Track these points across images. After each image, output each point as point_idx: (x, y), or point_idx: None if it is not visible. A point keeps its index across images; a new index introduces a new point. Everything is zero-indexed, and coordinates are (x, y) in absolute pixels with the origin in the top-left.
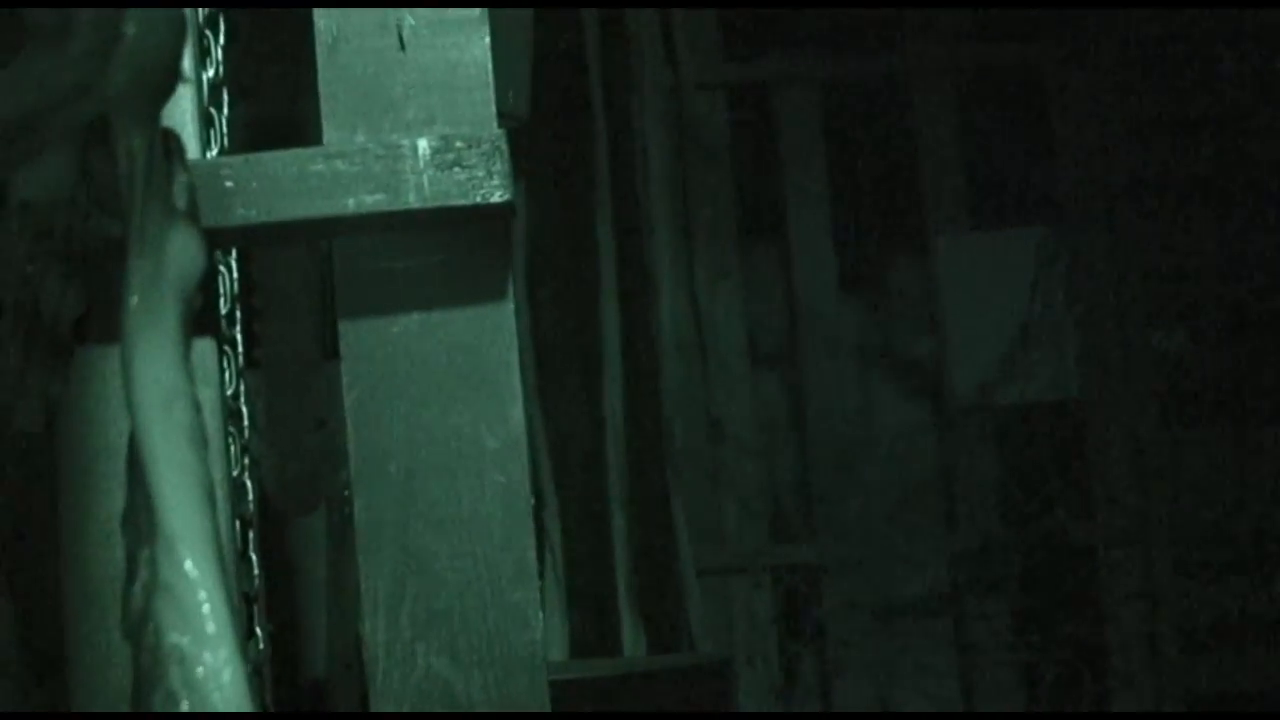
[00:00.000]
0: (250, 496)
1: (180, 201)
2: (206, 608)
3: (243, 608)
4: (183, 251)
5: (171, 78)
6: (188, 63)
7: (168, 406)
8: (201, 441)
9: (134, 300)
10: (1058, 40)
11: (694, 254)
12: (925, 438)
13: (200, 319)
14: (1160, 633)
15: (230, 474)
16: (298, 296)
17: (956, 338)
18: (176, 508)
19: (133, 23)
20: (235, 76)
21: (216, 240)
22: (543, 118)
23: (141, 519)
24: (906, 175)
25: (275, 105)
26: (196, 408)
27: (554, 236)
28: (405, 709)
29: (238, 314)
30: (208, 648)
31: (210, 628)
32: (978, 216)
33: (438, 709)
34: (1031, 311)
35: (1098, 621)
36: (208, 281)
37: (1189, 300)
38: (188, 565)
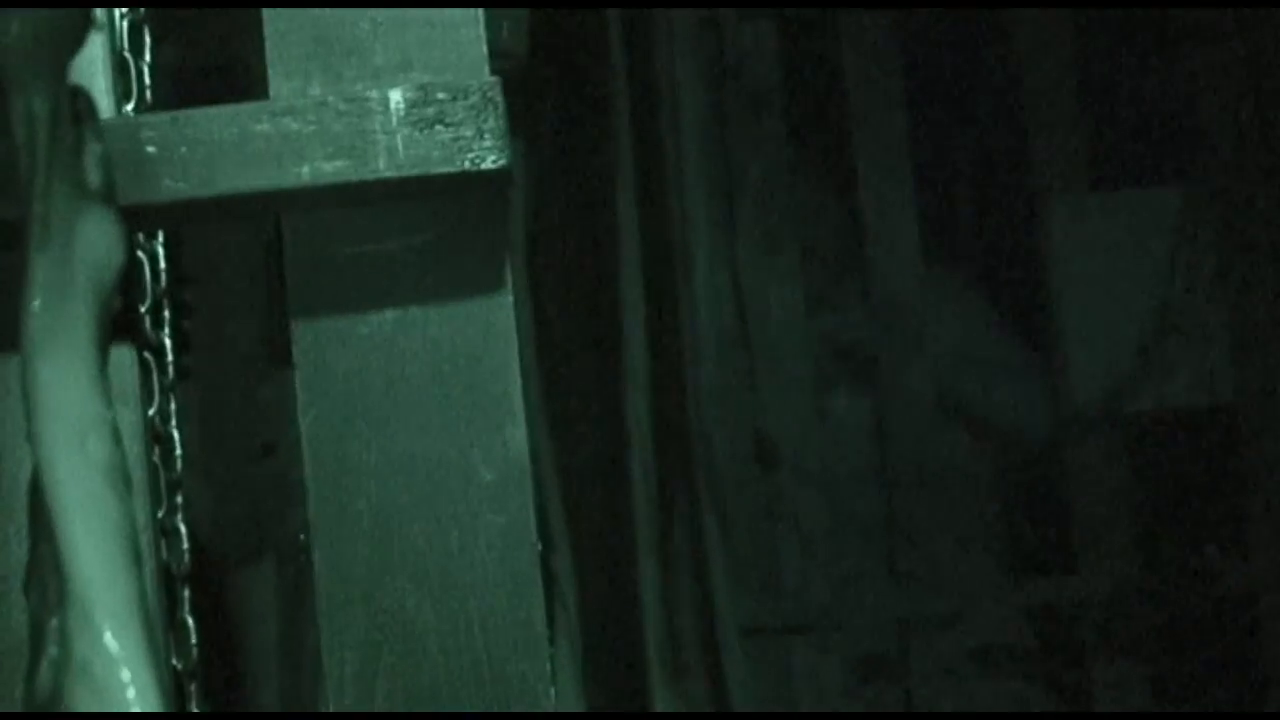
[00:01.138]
0: (184, 545)
1: (93, 178)
2: (131, 691)
3: (176, 687)
4: (97, 241)
5: (81, 23)
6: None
7: (80, 439)
8: (123, 481)
9: (36, 303)
10: None
11: (737, 225)
12: (1039, 456)
13: (118, 321)
14: None
15: (156, 517)
16: (239, 288)
17: (1076, 328)
18: (92, 566)
19: None
20: (157, 12)
21: (138, 221)
22: (544, 55)
23: (49, 579)
24: (1008, 121)
25: (208, 48)
26: (116, 438)
27: (561, 205)
28: None
29: (165, 313)
30: None
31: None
32: (1101, 173)
33: None
34: (1171, 294)
35: (1259, 688)
36: (128, 277)
37: None
38: (107, 638)
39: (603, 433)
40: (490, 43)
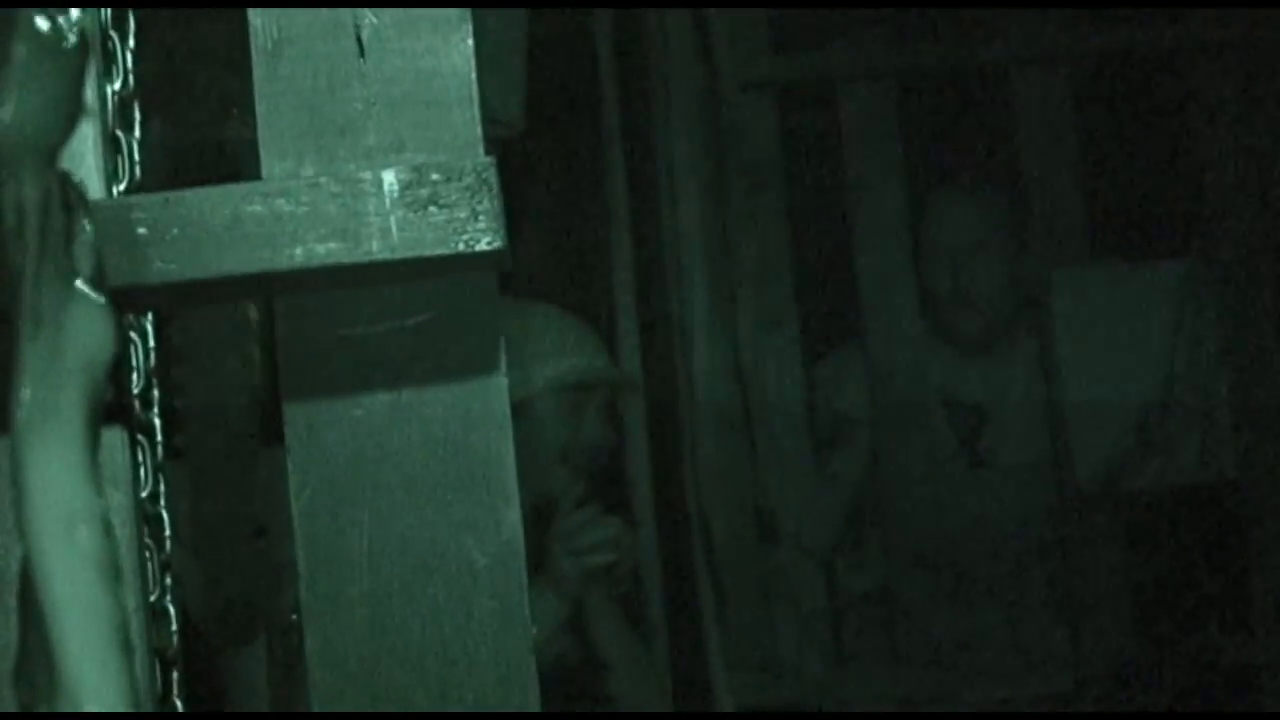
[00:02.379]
0: (173, 626)
1: (84, 267)
2: None
3: None
4: (87, 330)
5: (73, 107)
6: (92, 87)
7: (70, 529)
8: (113, 572)
9: (26, 393)
10: (1200, 21)
11: (737, 298)
12: (1040, 532)
13: (109, 403)
14: None
15: (147, 600)
16: (231, 367)
17: (1077, 401)
18: (81, 657)
19: (23, 43)
20: (150, 88)
21: (129, 303)
22: (541, 127)
23: (38, 671)
24: (1009, 193)
25: (201, 126)
26: (107, 528)
27: (556, 285)
28: None
29: (154, 393)
30: None
31: None
32: (1102, 246)
33: None
34: (1174, 366)
35: None
36: (119, 358)
37: None
38: None
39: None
40: (489, 112)
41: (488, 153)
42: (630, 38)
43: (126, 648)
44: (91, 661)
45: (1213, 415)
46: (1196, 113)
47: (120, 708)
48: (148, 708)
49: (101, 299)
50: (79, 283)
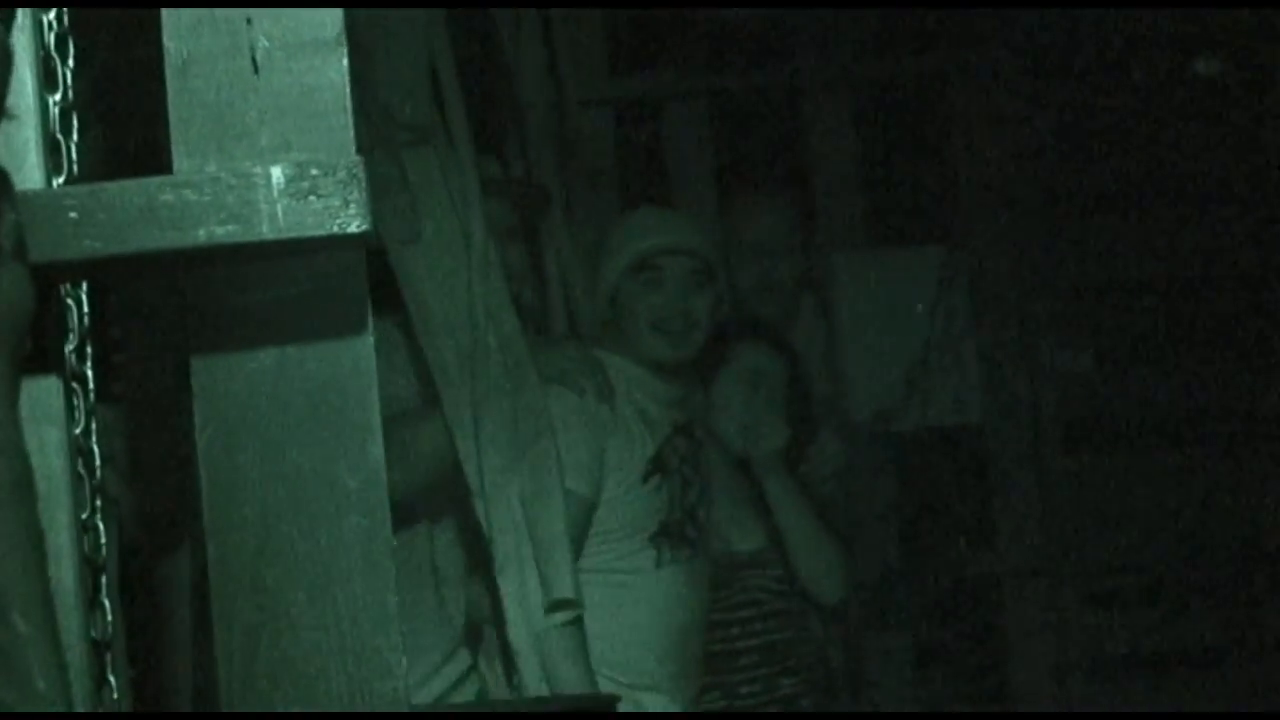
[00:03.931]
0: (103, 539)
1: (7, 242)
2: (36, 666)
3: (95, 655)
4: (9, 292)
5: None
6: (31, 90)
7: None
8: (31, 492)
9: None
10: (957, 53)
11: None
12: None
13: (45, 356)
14: (1066, 664)
15: (79, 517)
16: (163, 329)
17: (855, 358)
18: (4, 566)
19: None
20: (94, 100)
21: (60, 274)
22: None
23: None
24: (799, 193)
25: (135, 130)
26: (25, 458)
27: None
28: None
29: (88, 349)
30: (39, 705)
31: (40, 685)
32: (875, 235)
33: None
34: (933, 332)
35: (1002, 654)
36: (45, 321)
37: (1096, 321)
38: (16, 622)
39: None
40: (398, 116)
41: (359, 151)
42: (489, 53)
43: (42, 557)
44: (11, 568)
45: (963, 371)
46: (952, 126)
47: (35, 608)
48: (76, 608)
49: (22, 266)
50: (4, 254)
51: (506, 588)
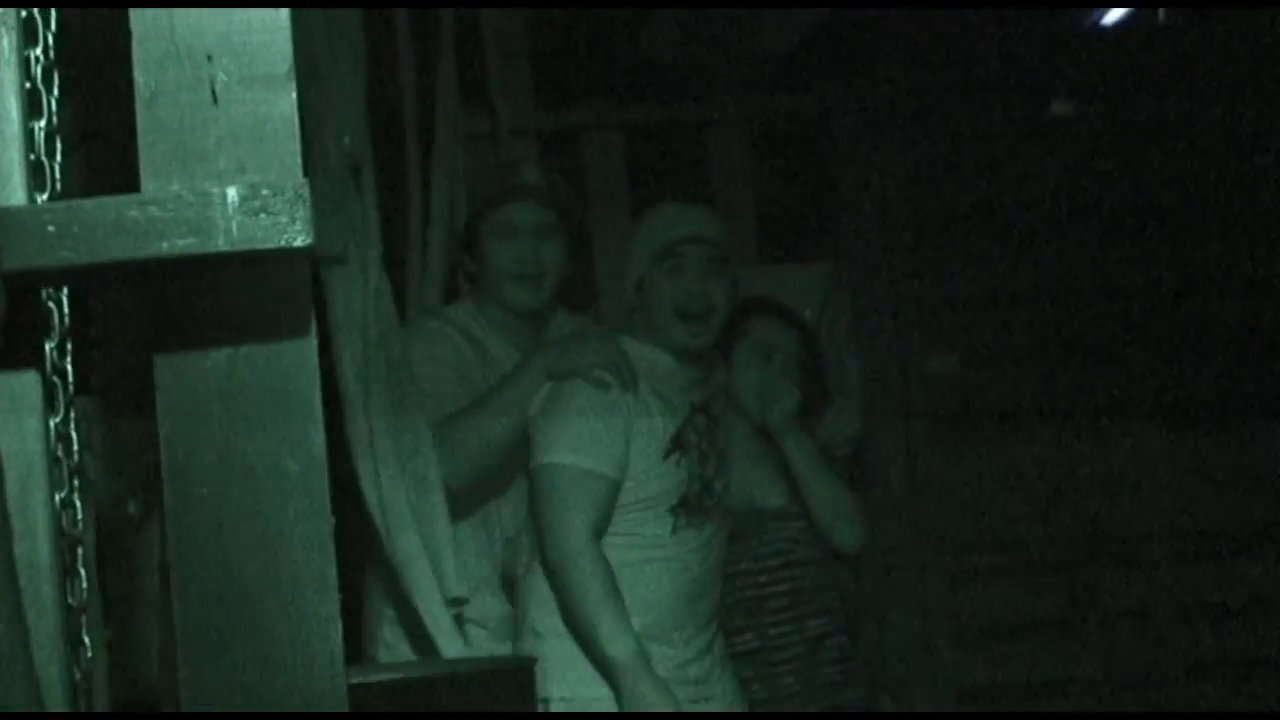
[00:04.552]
0: (80, 515)
1: None
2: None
3: (72, 617)
4: None
5: None
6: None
7: None
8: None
9: None
10: (843, 93)
11: None
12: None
13: (25, 354)
14: (933, 634)
15: (53, 495)
16: (129, 328)
17: None
18: None
19: None
20: (78, 124)
21: (40, 280)
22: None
23: None
24: None
25: (115, 152)
26: None
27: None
28: (214, 709)
29: (69, 346)
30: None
31: (4, 647)
32: (769, 253)
33: (243, 709)
34: (820, 337)
35: (877, 626)
36: (24, 321)
37: (961, 327)
38: None
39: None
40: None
41: (305, 174)
42: (430, 88)
43: (7, 535)
44: None
45: (844, 373)
46: (837, 156)
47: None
48: (48, 579)
49: None
50: None
51: (412, 579)
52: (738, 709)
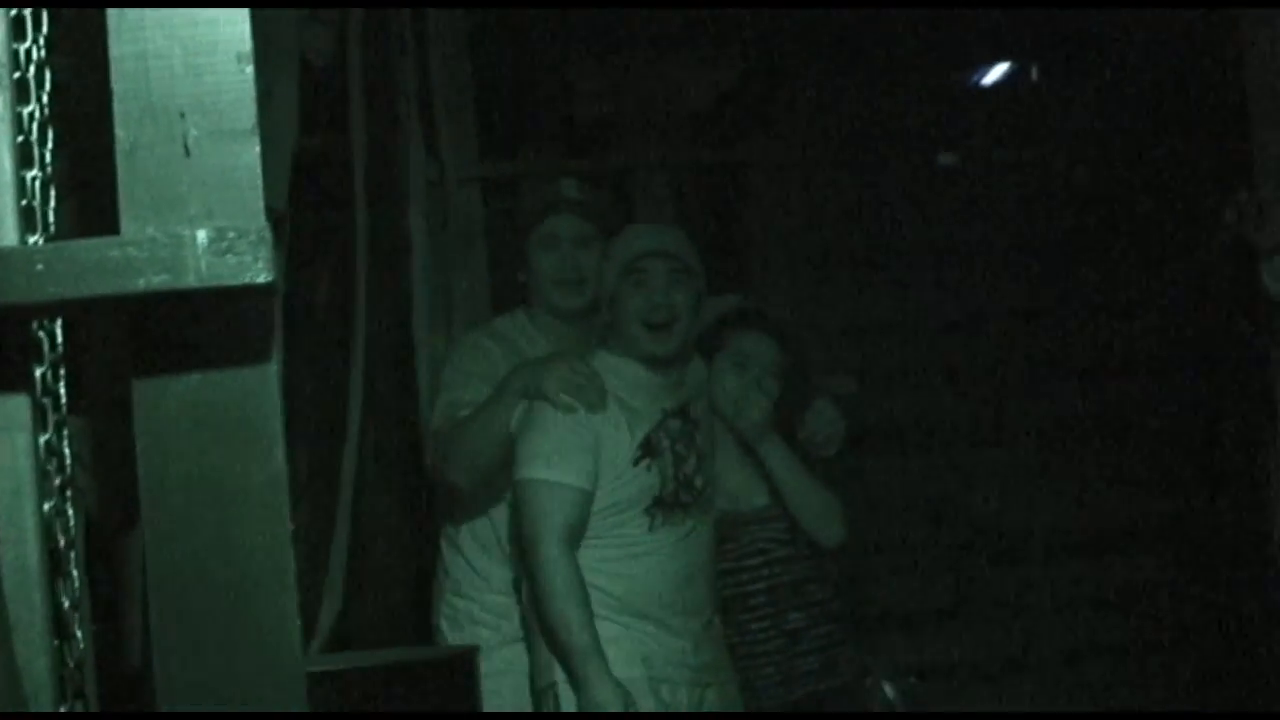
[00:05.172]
0: (71, 522)
1: None
2: None
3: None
4: None
5: None
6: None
7: None
8: None
9: None
10: (757, 144)
11: (452, 328)
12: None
13: (15, 378)
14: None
15: (41, 506)
16: (113, 355)
17: None
18: None
19: None
20: (73, 172)
21: (30, 313)
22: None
23: None
24: None
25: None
26: None
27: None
28: (183, 694)
29: (61, 370)
30: None
31: None
32: None
33: (210, 694)
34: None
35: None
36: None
37: (858, 353)
38: None
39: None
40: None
41: (267, 219)
42: (380, 140)
43: None
44: None
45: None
46: (751, 201)
47: None
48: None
49: None
50: None
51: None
52: (738, 698)
